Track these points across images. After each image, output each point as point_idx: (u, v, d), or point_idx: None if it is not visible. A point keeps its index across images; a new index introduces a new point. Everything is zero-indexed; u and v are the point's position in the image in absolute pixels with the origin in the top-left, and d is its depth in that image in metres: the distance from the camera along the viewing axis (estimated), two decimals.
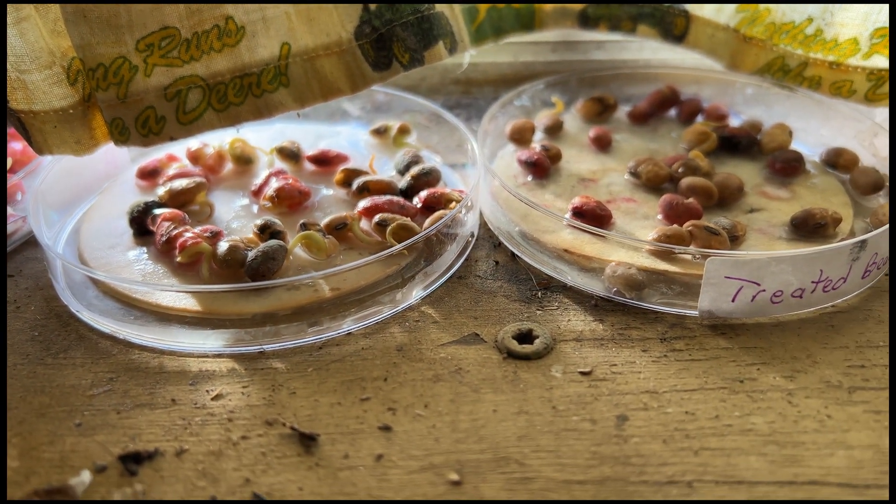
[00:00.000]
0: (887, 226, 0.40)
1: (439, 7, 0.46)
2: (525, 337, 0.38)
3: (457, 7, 0.49)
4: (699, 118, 0.56)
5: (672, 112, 0.57)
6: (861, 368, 0.36)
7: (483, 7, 0.52)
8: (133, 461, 0.32)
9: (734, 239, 0.43)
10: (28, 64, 0.39)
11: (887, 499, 0.31)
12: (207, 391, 0.35)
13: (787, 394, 0.35)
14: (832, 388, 0.35)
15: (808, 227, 0.44)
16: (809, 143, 0.54)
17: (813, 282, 0.39)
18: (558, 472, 0.31)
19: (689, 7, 0.53)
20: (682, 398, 0.35)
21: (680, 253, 0.40)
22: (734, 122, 0.56)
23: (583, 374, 0.36)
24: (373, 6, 0.43)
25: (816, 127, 0.54)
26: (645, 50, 0.63)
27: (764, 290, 0.38)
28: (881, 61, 0.48)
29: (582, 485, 0.31)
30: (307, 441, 0.32)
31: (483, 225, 0.47)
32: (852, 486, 0.31)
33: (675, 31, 0.55)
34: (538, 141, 0.52)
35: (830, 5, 0.48)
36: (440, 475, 0.31)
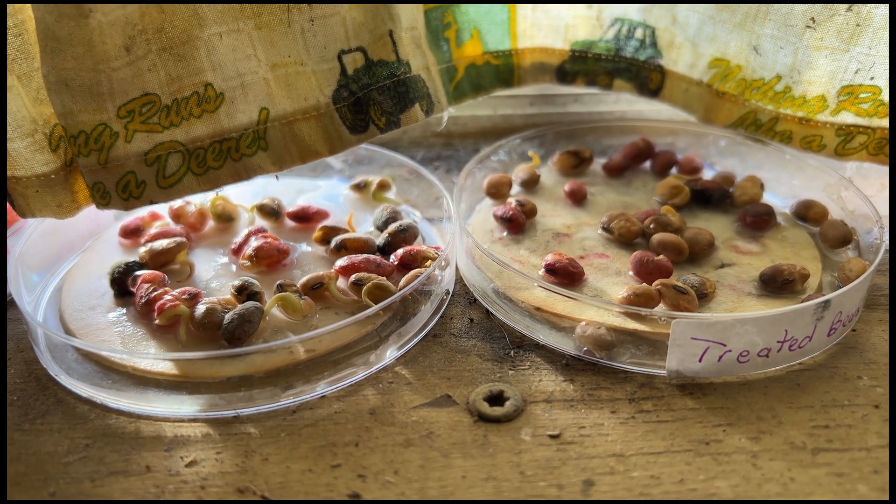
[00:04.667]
0: (851, 285, 0.41)
1: (416, 70, 0.47)
2: (496, 399, 0.39)
3: (434, 68, 0.50)
4: (673, 170, 0.57)
5: (647, 164, 0.58)
6: (825, 429, 0.37)
7: (462, 65, 0.53)
8: None
9: (703, 296, 0.44)
10: (10, 132, 0.40)
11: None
12: (182, 457, 0.36)
13: (751, 456, 0.36)
14: (796, 449, 0.36)
15: (777, 284, 0.45)
16: (781, 194, 0.55)
17: (778, 341, 0.39)
18: None
19: (664, 62, 0.55)
20: (647, 461, 0.35)
21: (647, 314, 0.41)
22: (708, 173, 0.57)
23: (552, 437, 0.37)
24: (350, 71, 0.44)
25: (788, 178, 0.55)
26: (621, 102, 0.64)
27: (730, 351, 0.39)
28: (849, 117, 0.49)
29: None
30: None
31: (459, 281, 0.48)
32: None
33: (651, 86, 0.56)
34: (515, 195, 0.53)
35: (797, 65, 0.49)
36: None
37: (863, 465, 0.35)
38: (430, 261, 0.45)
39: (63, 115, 0.40)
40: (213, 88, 0.42)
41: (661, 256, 0.46)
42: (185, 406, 0.38)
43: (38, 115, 0.41)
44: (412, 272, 0.44)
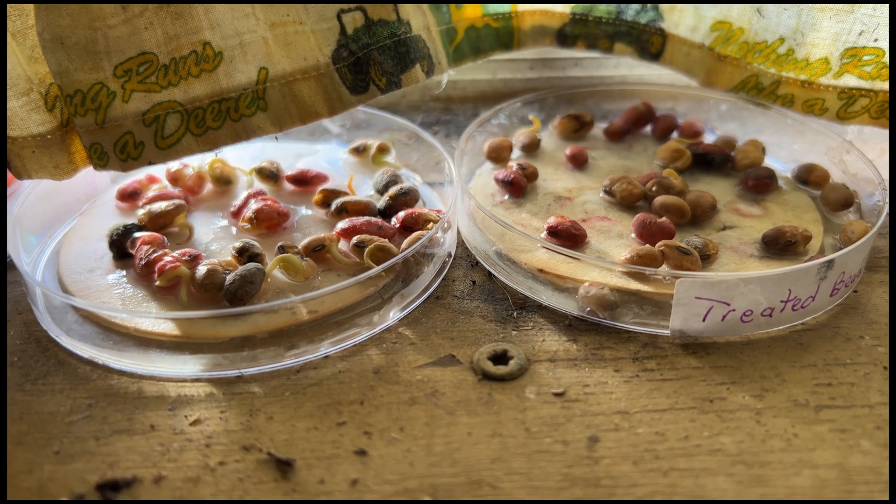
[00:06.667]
0: (854, 245, 0.41)
1: (416, 30, 0.47)
2: (500, 358, 0.39)
3: (434, 29, 0.49)
4: (674, 135, 0.57)
5: (648, 128, 0.57)
6: (828, 387, 0.37)
7: (461, 27, 0.53)
8: (111, 489, 0.32)
9: (706, 258, 0.44)
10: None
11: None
12: (186, 416, 0.36)
13: (755, 413, 0.36)
14: (799, 406, 0.36)
15: (779, 245, 0.45)
16: (782, 158, 0.55)
17: (782, 301, 0.39)
18: (530, 495, 0.32)
19: (665, 25, 0.54)
20: (652, 418, 0.36)
21: (651, 274, 0.41)
22: (709, 138, 0.56)
23: (556, 395, 0.37)
24: (350, 30, 0.44)
25: (789, 142, 0.55)
26: (622, 66, 0.63)
27: (734, 310, 0.39)
28: (852, 80, 0.49)
29: None
30: (283, 466, 0.33)
31: (461, 244, 0.48)
32: None
33: (652, 49, 0.56)
34: (515, 159, 0.53)
35: (801, 27, 0.49)
36: (414, 499, 0.32)
37: (865, 421, 0.35)
38: (431, 223, 0.45)
39: (59, 74, 0.40)
40: (211, 47, 0.41)
41: (663, 218, 0.46)
42: (188, 366, 0.38)
43: (33, 73, 0.40)
44: (414, 234, 0.44)
